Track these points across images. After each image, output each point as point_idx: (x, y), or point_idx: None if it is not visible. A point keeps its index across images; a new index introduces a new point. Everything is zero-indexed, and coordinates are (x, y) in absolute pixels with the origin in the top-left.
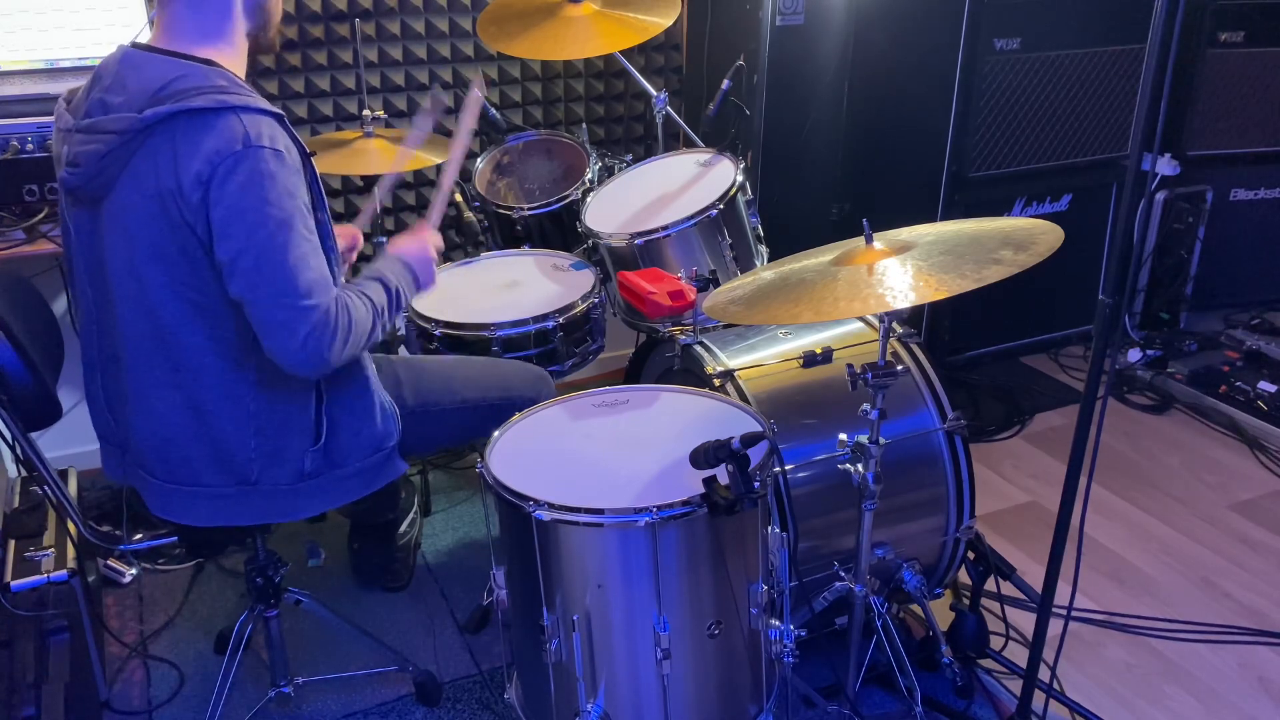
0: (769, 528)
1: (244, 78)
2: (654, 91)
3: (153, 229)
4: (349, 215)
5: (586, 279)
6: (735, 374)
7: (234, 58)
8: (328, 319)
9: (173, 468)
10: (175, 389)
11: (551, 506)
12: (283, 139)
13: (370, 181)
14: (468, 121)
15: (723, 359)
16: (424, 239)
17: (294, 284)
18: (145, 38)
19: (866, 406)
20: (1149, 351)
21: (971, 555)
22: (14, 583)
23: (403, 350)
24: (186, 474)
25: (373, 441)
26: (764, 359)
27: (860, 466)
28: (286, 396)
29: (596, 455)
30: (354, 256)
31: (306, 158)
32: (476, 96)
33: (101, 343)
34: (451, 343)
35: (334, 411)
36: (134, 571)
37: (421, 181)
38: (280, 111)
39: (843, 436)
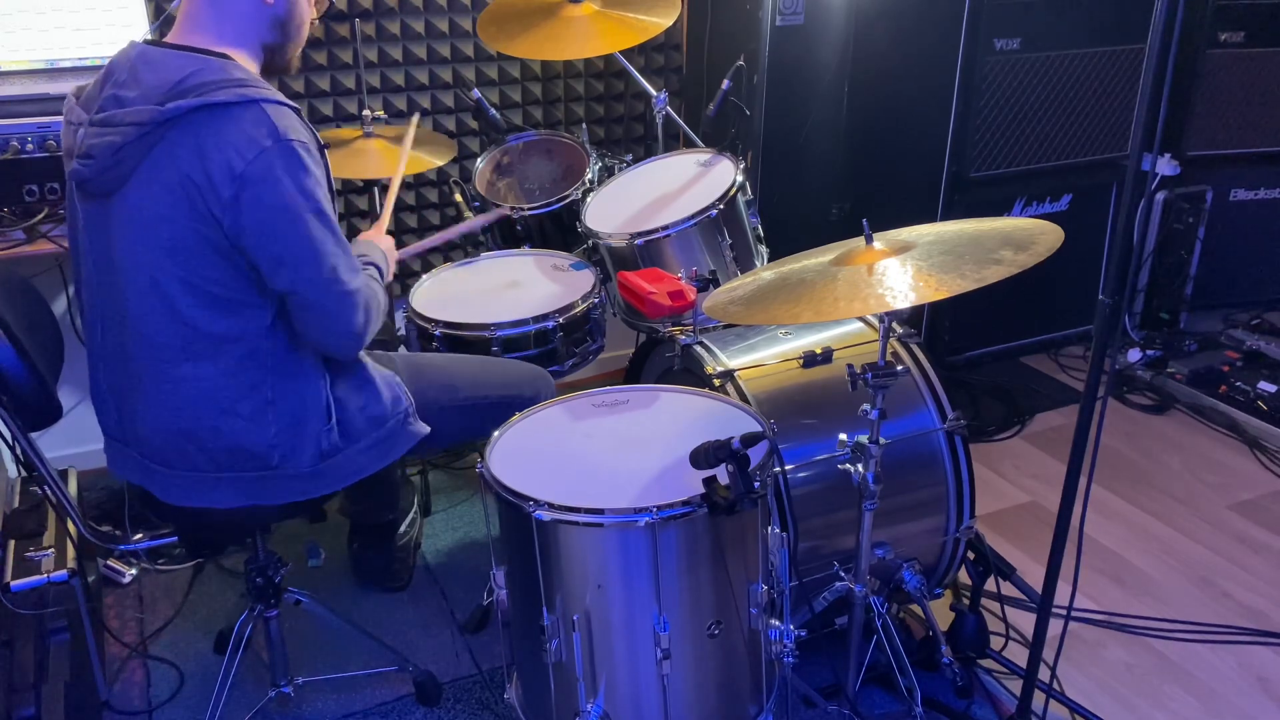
0: (769, 528)
1: None
2: (654, 91)
3: (172, 222)
4: (348, 215)
5: (586, 279)
6: (735, 374)
7: (246, 62)
8: (370, 298)
9: (191, 458)
10: (192, 381)
11: (551, 506)
12: (305, 130)
13: (370, 181)
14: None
15: (723, 359)
16: (382, 235)
17: (337, 274)
18: (146, 38)
19: (866, 406)
20: (1149, 351)
21: (971, 555)
22: (14, 583)
23: (403, 349)
24: (205, 462)
25: (382, 413)
26: (764, 359)
27: (860, 466)
28: (300, 381)
29: (596, 455)
30: None
31: (321, 149)
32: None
33: (108, 337)
34: (451, 342)
35: (338, 391)
36: (134, 571)
37: (421, 181)
38: (295, 105)
39: (843, 436)
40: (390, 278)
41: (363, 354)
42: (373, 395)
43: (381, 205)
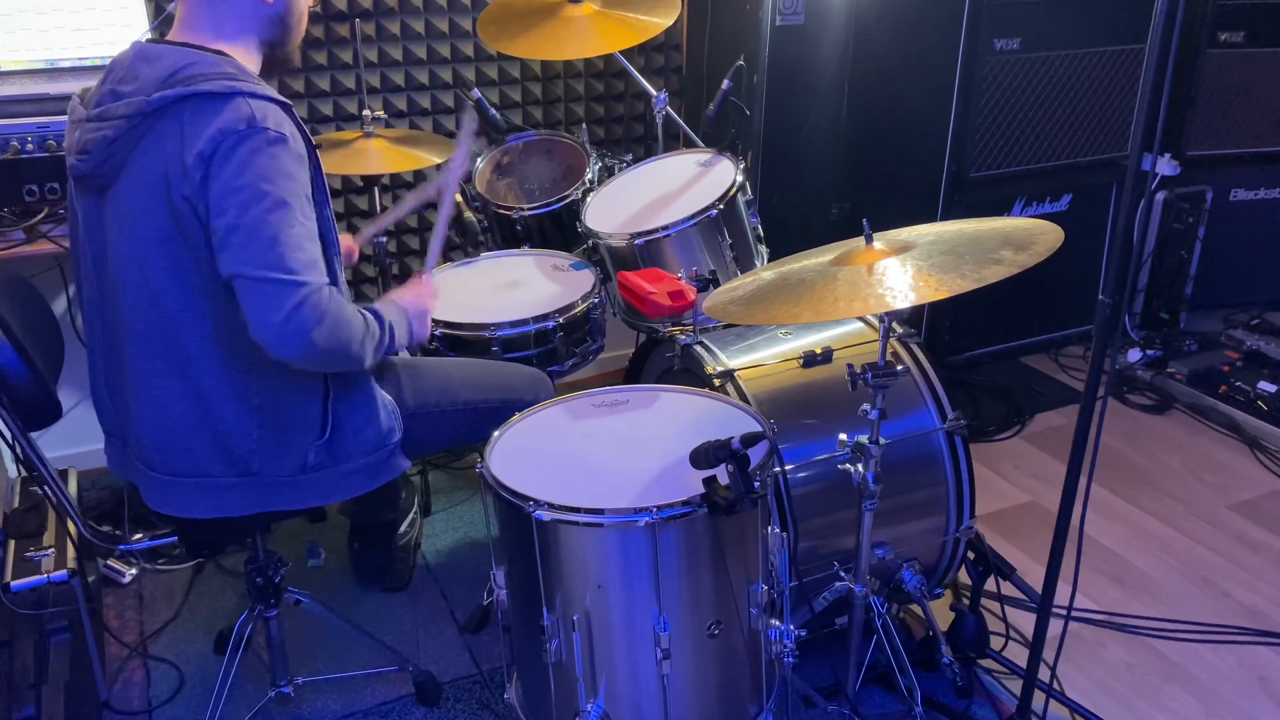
0: (769, 528)
1: None
2: (654, 91)
3: (157, 213)
4: (349, 215)
5: (586, 279)
6: (735, 374)
7: (246, 59)
8: (316, 300)
9: (172, 459)
10: (177, 378)
11: (551, 506)
12: (288, 126)
13: (370, 181)
14: (463, 148)
15: (723, 359)
16: (421, 291)
17: (284, 260)
18: (148, 37)
19: (866, 406)
20: (1149, 351)
21: (971, 555)
22: (14, 583)
23: (403, 351)
24: (186, 465)
25: (376, 439)
26: (764, 359)
27: (860, 466)
28: (291, 389)
29: (596, 455)
30: (351, 261)
31: (312, 150)
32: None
33: (105, 332)
34: (451, 343)
35: (339, 408)
36: (134, 571)
37: (421, 181)
38: (288, 101)
39: (843, 436)
40: (423, 338)
41: (369, 370)
42: (371, 419)
43: (436, 227)
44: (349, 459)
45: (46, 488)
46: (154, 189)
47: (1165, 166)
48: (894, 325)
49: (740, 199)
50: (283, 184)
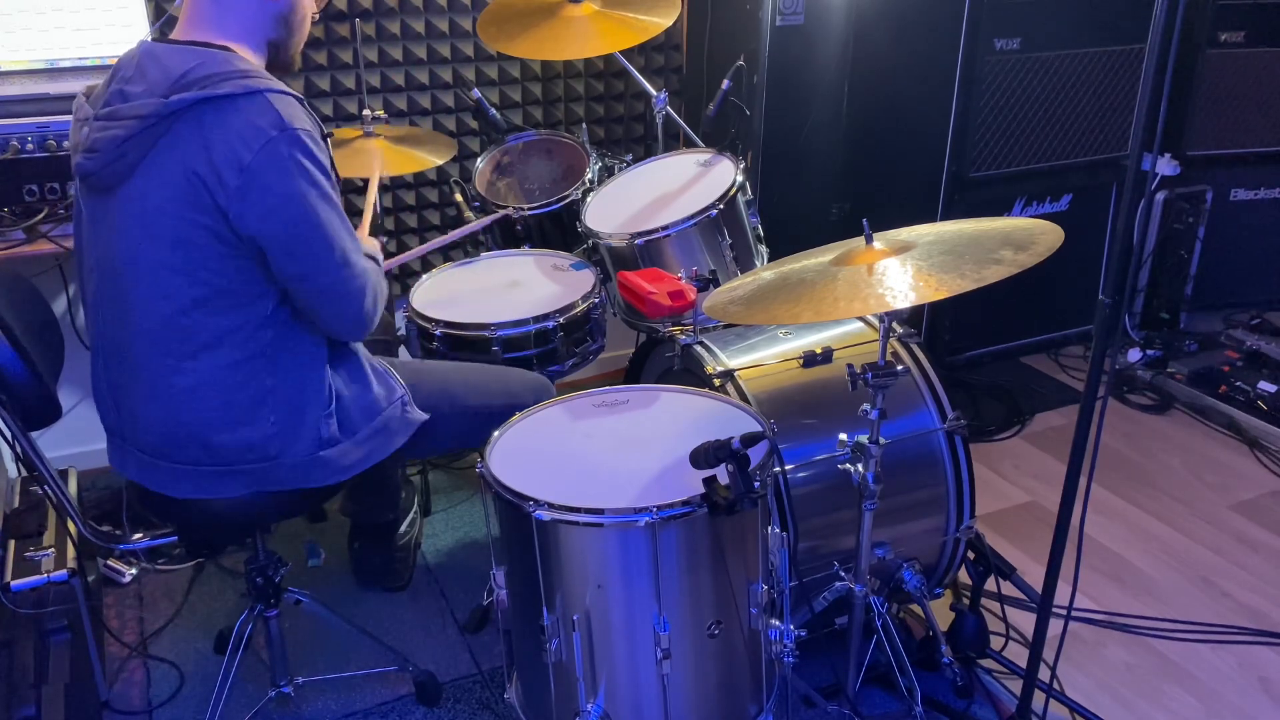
0: (769, 528)
1: None
2: (654, 91)
3: (177, 215)
4: (349, 215)
5: (586, 279)
6: (735, 374)
7: (252, 57)
8: (374, 282)
9: (190, 452)
10: (192, 373)
11: (551, 506)
12: (307, 119)
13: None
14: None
15: (723, 359)
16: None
17: (348, 256)
18: (146, 38)
19: (866, 406)
20: (1149, 351)
21: (971, 555)
22: (14, 583)
23: (403, 351)
24: (205, 456)
25: (375, 404)
26: (764, 359)
27: (860, 466)
28: (299, 368)
29: (596, 455)
30: None
31: (324, 136)
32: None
33: (109, 331)
34: (452, 342)
35: (338, 377)
36: (134, 571)
37: (421, 181)
38: (299, 95)
39: (843, 436)
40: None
41: (357, 345)
42: (364, 385)
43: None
44: (358, 428)
45: (46, 488)
46: (174, 192)
47: (1165, 166)
48: (894, 325)
49: (740, 199)
50: (322, 180)
